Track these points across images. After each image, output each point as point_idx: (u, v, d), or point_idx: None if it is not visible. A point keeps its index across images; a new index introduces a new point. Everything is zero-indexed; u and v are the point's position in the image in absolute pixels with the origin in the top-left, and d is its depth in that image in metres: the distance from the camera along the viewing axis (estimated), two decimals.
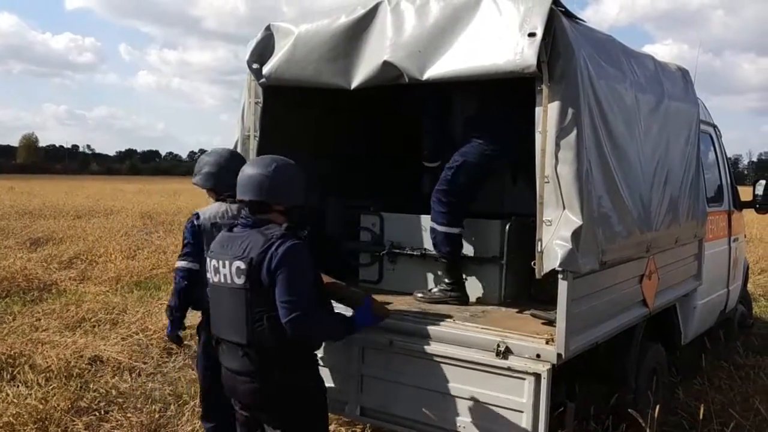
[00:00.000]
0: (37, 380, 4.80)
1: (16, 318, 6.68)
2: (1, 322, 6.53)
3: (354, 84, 3.44)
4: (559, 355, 2.89)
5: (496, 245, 3.82)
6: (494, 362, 3.01)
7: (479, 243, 3.88)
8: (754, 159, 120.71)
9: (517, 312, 3.59)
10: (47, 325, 6.38)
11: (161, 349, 5.74)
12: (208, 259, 2.79)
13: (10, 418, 4.15)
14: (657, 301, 3.94)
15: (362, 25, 3.42)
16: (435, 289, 3.86)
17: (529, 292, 3.77)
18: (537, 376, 2.90)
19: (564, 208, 2.87)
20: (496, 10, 3.04)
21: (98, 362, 5.44)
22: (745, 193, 6.13)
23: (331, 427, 3.85)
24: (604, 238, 3.12)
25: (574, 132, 2.86)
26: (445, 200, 3.75)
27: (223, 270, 2.66)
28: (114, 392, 4.82)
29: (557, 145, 2.86)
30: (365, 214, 4.27)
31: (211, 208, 3.50)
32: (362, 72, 3.40)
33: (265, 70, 3.72)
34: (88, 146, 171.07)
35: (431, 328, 3.26)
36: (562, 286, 2.88)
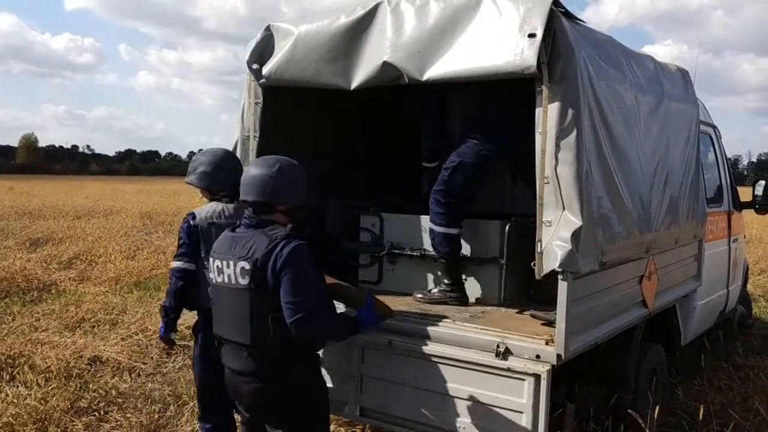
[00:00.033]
0: (37, 380, 4.80)
1: (15, 318, 6.67)
2: (1, 322, 6.53)
3: (354, 84, 3.44)
4: (558, 356, 2.89)
5: (495, 246, 3.82)
6: (494, 363, 3.01)
7: (479, 243, 3.88)
8: (754, 159, 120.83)
9: (516, 313, 3.59)
10: (47, 325, 6.37)
11: (161, 350, 5.72)
12: (211, 260, 2.79)
13: (10, 419, 4.15)
14: (657, 302, 3.94)
15: (362, 26, 3.42)
16: (434, 290, 3.86)
17: (528, 292, 3.77)
18: (536, 377, 2.90)
19: (564, 208, 2.87)
20: (496, 11, 3.04)
21: (98, 362, 5.44)
22: (745, 194, 6.14)
23: (331, 427, 3.84)
24: (603, 238, 3.12)
25: (574, 133, 2.86)
26: (443, 201, 3.75)
27: (227, 270, 2.66)
28: (113, 392, 4.82)
29: (557, 146, 2.86)
30: (365, 215, 4.27)
31: (207, 208, 3.48)
32: (362, 72, 3.40)
33: (265, 70, 3.72)
34: (88, 146, 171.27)
35: (431, 329, 3.26)
36: (562, 287, 2.88)
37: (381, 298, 3.23)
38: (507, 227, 3.80)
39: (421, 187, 4.32)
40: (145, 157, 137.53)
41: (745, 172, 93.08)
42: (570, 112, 2.86)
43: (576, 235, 2.84)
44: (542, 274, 2.92)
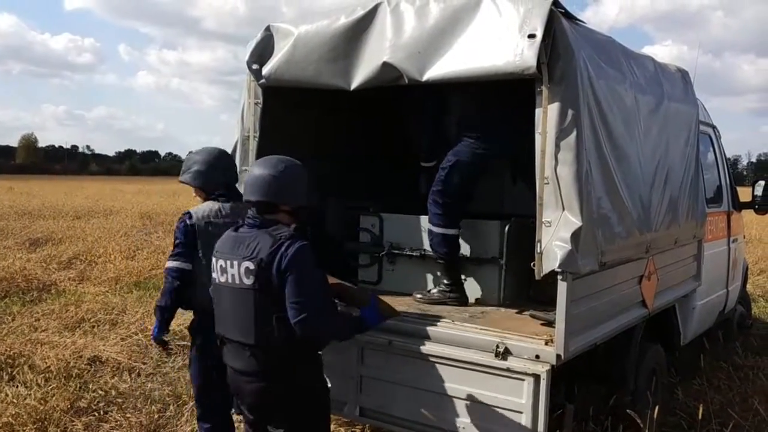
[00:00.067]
0: (37, 380, 4.80)
1: (15, 318, 6.67)
2: (1, 322, 6.53)
3: (354, 85, 3.44)
4: (558, 356, 2.90)
5: (495, 246, 3.83)
6: (493, 363, 3.02)
7: (478, 244, 3.88)
8: (753, 160, 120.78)
9: (516, 313, 3.59)
10: (46, 325, 6.37)
11: (160, 350, 5.71)
12: (214, 259, 2.78)
13: (10, 419, 4.15)
14: (656, 302, 3.94)
15: (362, 26, 3.43)
16: (434, 290, 3.86)
17: (528, 293, 3.77)
18: (536, 377, 2.91)
19: (563, 209, 2.88)
20: (495, 12, 3.05)
21: (97, 362, 5.44)
22: (744, 194, 6.14)
23: (331, 427, 3.84)
24: (603, 239, 3.12)
25: (574, 133, 2.86)
26: (440, 201, 3.75)
27: (231, 270, 2.66)
28: (113, 392, 4.82)
29: (557, 147, 2.87)
30: (365, 215, 4.28)
31: (203, 207, 3.46)
32: (362, 73, 3.40)
33: (265, 70, 3.72)
34: (88, 146, 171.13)
35: (430, 329, 3.26)
36: (562, 287, 2.88)
37: (382, 298, 3.23)
38: (507, 227, 3.80)
39: (419, 187, 4.32)
40: (144, 157, 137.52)
41: (745, 173, 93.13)
42: (570, 112, 2.86)
43: (576, 236, 2.85)
44: (542, 275, 2.92)
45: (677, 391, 4.64)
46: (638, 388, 3.79)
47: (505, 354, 3.01)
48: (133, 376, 5.21)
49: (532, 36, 2.87)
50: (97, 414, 4.45)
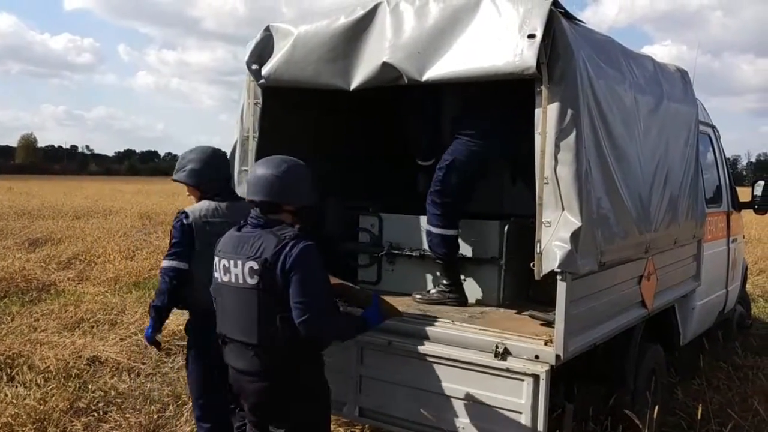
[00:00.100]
0: (36, 381, 4.79)
1: (14, 318, 6.66)
2: (0, 322, 6.53)
3: (353, 85, 3.44)
4: (557, 356, 2.89)
5: (495, 246, 3.82)
6: (493, 363, 3.02)
7: (478, 244, 3.88)
8: (753, 160, 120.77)
9: (515, 313, 3.59)
10: (46, 325, 6.37)
11: (157, 350, 5.73)
12: (216, 259, 2.78)
13: (9, 419, 4.14)
14: (656, 302, 3.94)
15: (361, 26, 3.42)
16: (433, 291, 3.86)
17: (527, 293, 3.77)
18: (535, 377, 2.90)
19: (563, 209, 2.88)
20: (495, 12, 3.05)
21: (97, 363, 5.43)
22: (744, 194, 6.14)
23: (331, 427, 3.84)
24: (603, 239, 3.12)
25: (574, 133, 2.86)
26: (439, 201, 3.74)
27: (235, 270, 2.66)
28: (113, 393, 4.81)
29: (556, 147, 2.87)
30: (364, 215, 4.28)
31: (200, 206, 3.44)
32: (361, 73, 3.40)
33: (264, 71, 3.71)
34: (87, 147, 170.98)
35: (430, 329, 3.26)
36: (561, 288, 2.88)
37: (384, 298, 3.23)
38: (506, 228, 3.80)
39: (417, 187, 4.32)
40: (144, 158, 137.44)
41: (744, 173, 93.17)
42: (569, 112, 2.86)
43: (575, 236, 2.84)
44: (541, 275, 2.92)
45: (677, 391, 4.64)
46: (638, 388, 3.79)
47: (505, 354, 3.00)
48: (132, 376, 5.21)
49: (531, 36, 2.87)
50: (96, 414, 4.44)
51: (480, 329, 3.19)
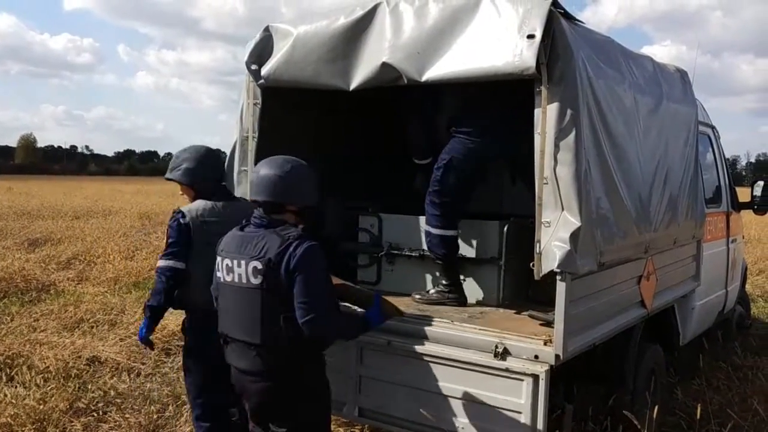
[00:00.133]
0: (36, 381, 4.79)
1: (14, 319, 6.66)
2: (0, 322, 6.52)
3: (353, 85, 3.44)
4: (557, 356, 2.90)
5: (494, 246, 3.82)
6: (492, 363, 3.02)
7: (477, 244, 3.88)
8: (752, 160, 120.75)
9: (515, 313, 3.59)
10: (45, 325, 6.36)
11: (159, 350, 5.72)
12: (219, 258, 2.78)
13: (9, 419, 4.14)
14: (655, 302, 3.95)
15: (361, 27, 3.42)
16: (433, 291, 3.85)
17: (527, 293, 3.77)
18: (535, 377, 2.91)
19: (563, 209, 2.88)
20: (495, 12, 3.05)
21: (96, 363, 5.43)
22: (744, 194, 6.14)
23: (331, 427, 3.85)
24: (602, 239, 3.12)
25: (573, 133, 2.86)
26: (438, 201, 3.73)
27: (238, 270, 2.66)
28: (112, 393, 4.81)
29: (556, 147, 2.87)
30: (364, 215, 4.28)
31: (196, 206, 3.43)
32: (361, 73, 3.40)
33: (264, 71, 3.71)
34: (87, 147, 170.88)
35: (429, 329, 3.26)
36: (561, 288, 2.88)
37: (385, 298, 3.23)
38: (506, 228, 3.80)
39: (414, 186, 4.31)
40: (143, 158, 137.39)
41: (744, 173, 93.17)
42: (569, 112, 2.86)
43: (575, 236, 2.85)
44: (541, 275, 2.92)
45: (676, 391, 4.64)
46: (637, 388, 3.79)
47: (504, 354, 3.01)
48: (132, 376, 5.21)
49: (531, 36, 2.87)
50: (96, 414, 4.44)
51: (479, 329, 3.19)
